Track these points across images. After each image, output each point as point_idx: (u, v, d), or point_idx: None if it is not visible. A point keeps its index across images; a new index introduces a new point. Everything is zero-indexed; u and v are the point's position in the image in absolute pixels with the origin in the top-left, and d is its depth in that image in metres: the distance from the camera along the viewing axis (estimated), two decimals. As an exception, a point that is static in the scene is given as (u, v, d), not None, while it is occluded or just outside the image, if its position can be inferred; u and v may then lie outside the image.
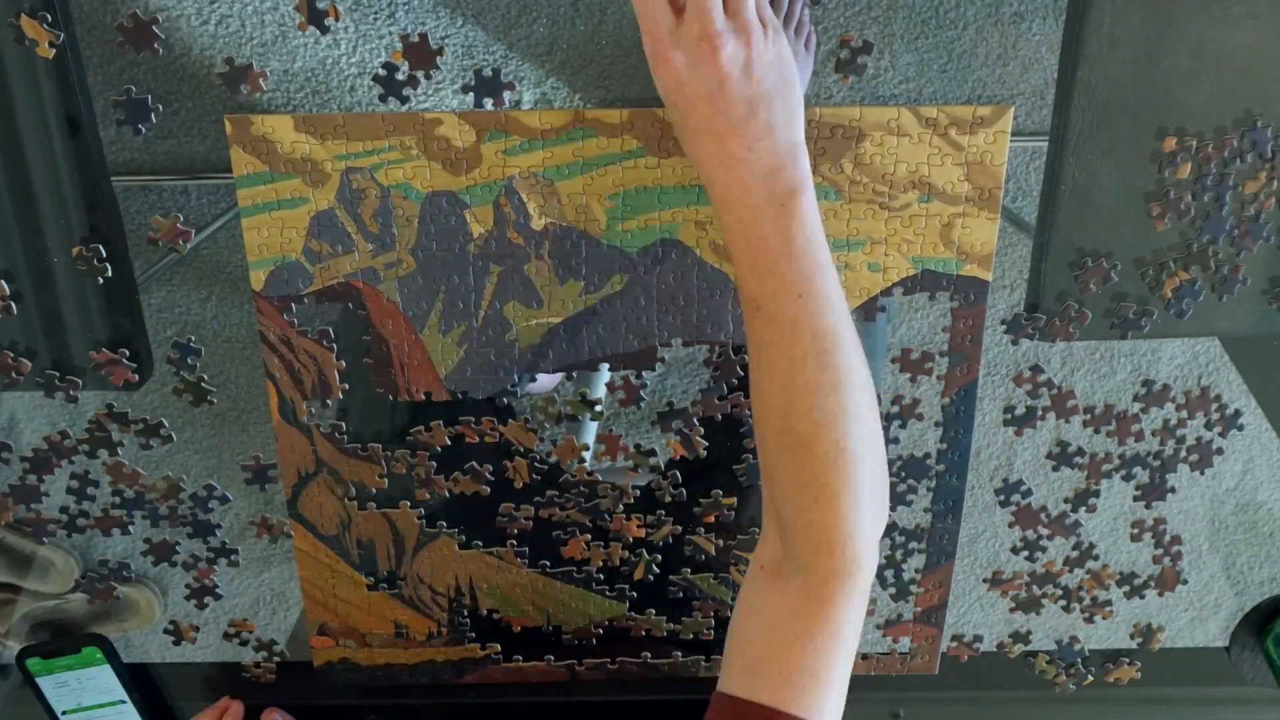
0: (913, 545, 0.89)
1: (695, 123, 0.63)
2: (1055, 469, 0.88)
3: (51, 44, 0.71)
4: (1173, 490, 0.89)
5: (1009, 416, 0.85)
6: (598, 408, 0.82)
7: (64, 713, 0.95)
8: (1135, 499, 0.89)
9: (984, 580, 0.93)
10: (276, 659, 0.95)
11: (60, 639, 0.93)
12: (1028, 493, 0.89)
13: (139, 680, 0.97)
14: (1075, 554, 0.91)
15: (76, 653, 0.93)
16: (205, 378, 0.81)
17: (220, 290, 0.82)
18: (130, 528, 0.88)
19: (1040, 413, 0.85)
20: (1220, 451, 0.87)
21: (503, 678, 0.94)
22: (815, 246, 0.64)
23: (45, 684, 0.93)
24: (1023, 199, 0.79)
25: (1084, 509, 0.89)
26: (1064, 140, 0.76)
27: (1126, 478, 0.88)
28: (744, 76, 0.61)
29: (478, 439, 0.82)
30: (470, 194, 0.76)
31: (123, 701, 0.96)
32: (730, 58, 0.61)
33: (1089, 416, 0.86)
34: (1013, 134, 0.74)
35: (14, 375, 0.80)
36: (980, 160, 0.75)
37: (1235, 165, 0.76)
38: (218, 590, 0.92)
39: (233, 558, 0.90)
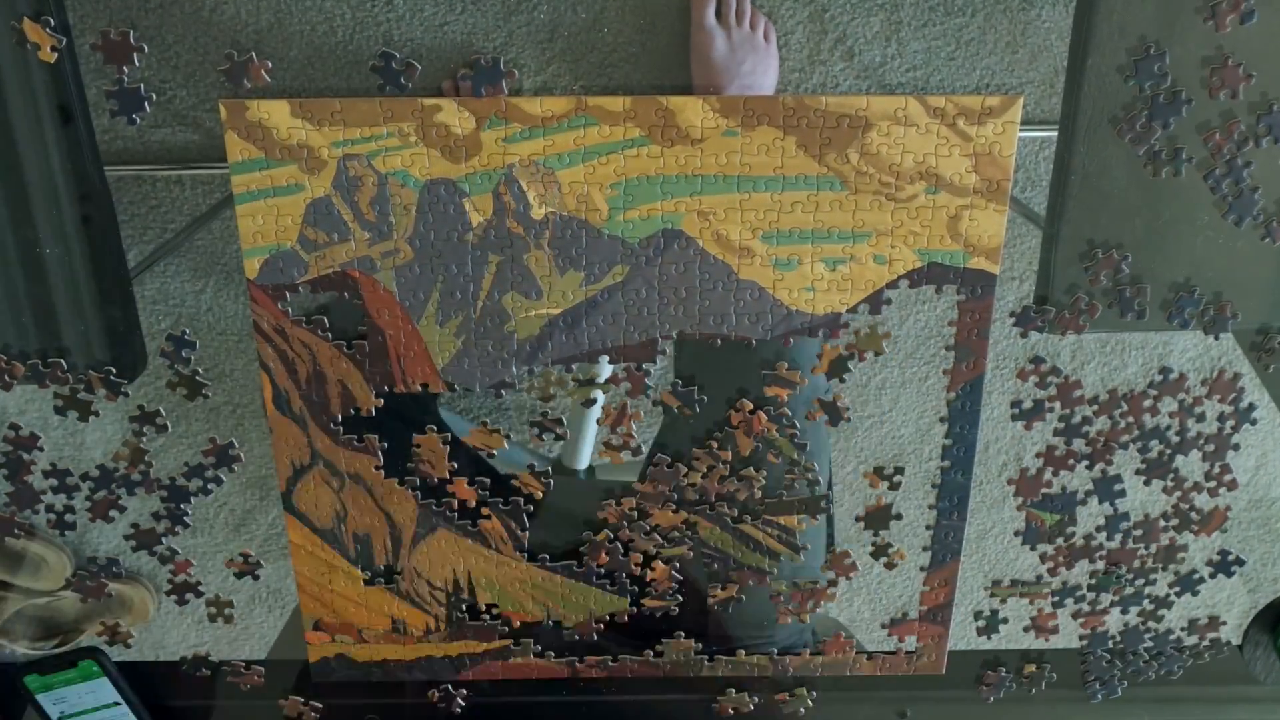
0: (917, 543, 0.88)
1: None
2: (1063, 447, 0.86)
3: (54, 48, 0.70)
4: (1176, 472, 0.88)
5: (1016, 411, 0.83)
6: (596, 394, 0.81)
7: (61, 717, 0.94)
8: (1143, 479, 0.88)
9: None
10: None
11: (56, 657, 0.92)
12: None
13: (132, 681, 0.96)
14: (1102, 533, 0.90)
15: (73, 666, 0.92)
16: (200, 371, 0.80)
17: (215, 282, 0.81)
18: (120, 510, 0.86)
19: (1047, 403, 0.83)
20: (1236, 447, 0.86)
21: (501, 674, 0.93)
22: None
23: (44, 700, 0.93)
24: (1032, 189, 0.78)
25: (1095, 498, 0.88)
26: (1074, 129, 0.75)
27: (1141, 461, 0.87)
28: None
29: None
30: (469, 182, 0.75)
31: (116, 703, 0.95)
32: None
33: (1097, 406, 0.84)
34: (1021, 123, 0.73)
35: (6, 379, 0.80)
36: (989, 151, 0.74)
37: (1249, 149, 0.75)
38: (199, 588, 0.91)
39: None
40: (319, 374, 0.80)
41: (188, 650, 0.95)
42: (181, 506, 0.86)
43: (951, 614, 0.91)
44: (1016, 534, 0.90)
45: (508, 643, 0.91)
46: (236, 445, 0.83)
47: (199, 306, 0.82)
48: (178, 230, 0.79)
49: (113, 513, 0.86)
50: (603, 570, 0.87)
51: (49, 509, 0.86)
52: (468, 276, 0.78)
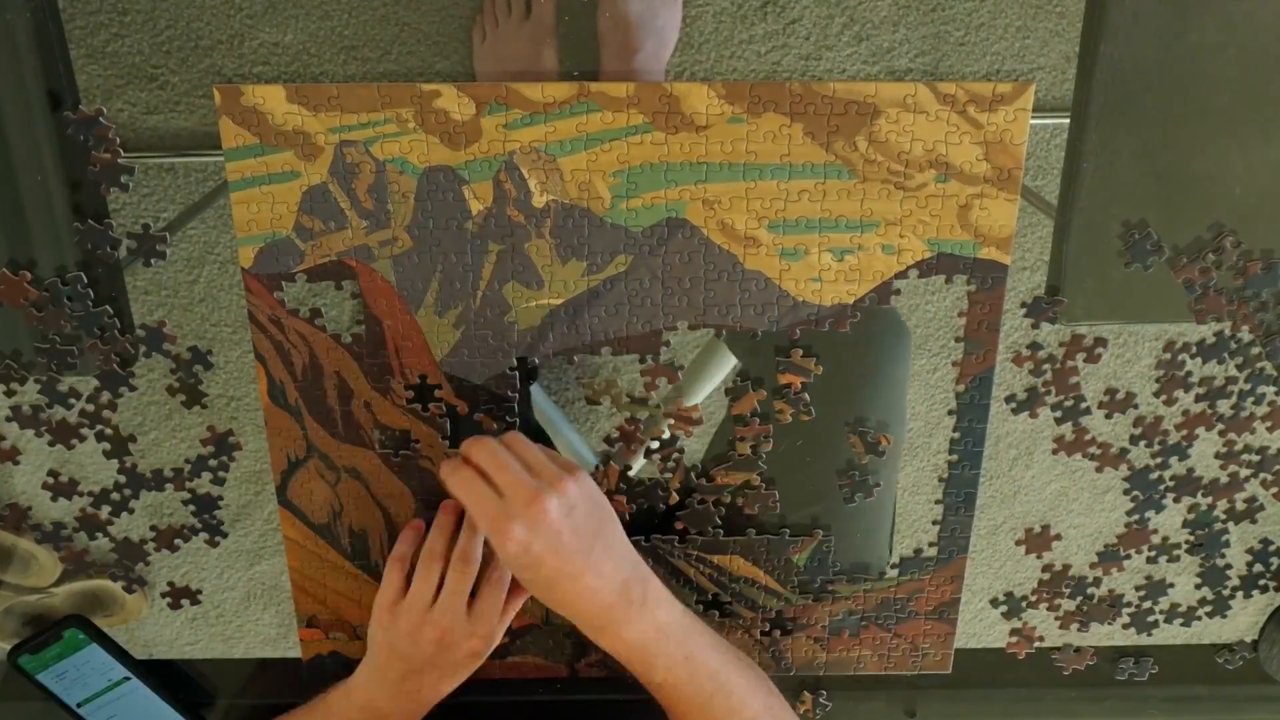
0: (925, 539, 0.87)
1: (549, 574, 0.72)
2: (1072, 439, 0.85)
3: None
4: (1192, 470, 0.87)
5: (1014, 405, 0.82)
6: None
7: (79, 704, 0.93)
8: (1154, 472, 0.87)
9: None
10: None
11: (40, 631, 0.91)
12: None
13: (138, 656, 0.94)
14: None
15: (60, 639, 0.90)
16: (200, 375, 0.80)
17: (209, 272, 0.80)
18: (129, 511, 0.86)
19: (1044, 391, 0.82)
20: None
21: (500, 674, 0.91)
22: (681, 613, 0.77)
23: (46, 679, 0.91)
24: (1043, 177, 0.77)
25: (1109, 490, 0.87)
26: (1086, 116, 0.74)
27: (1149, 444, 0.85)
28: (571, 519, 0.71)
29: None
30: (469, 169, 0.74)
31: (127, 679, 0.93)
32: (557, 508, 0.71)
33: (1107, 400, 0.83)
34: (1033, 110, 0.72)
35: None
36: (1000, 139, 0.73)
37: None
38: (199, 596, 0.90)
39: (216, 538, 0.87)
40: (315, 365, 0.79)
41: (182, 649, 0.94)
42: (212, 516, 0.86)
43: (959, 612, 0.90)
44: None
45: (506, 641, 0.90)
46: (235, 434, 0.83)
47: (192, 297, 0.81)
48: (170, 219, 0.78)
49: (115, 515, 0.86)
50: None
51: (56, 523, 0.86)
52: (467, 266, 0.76)
